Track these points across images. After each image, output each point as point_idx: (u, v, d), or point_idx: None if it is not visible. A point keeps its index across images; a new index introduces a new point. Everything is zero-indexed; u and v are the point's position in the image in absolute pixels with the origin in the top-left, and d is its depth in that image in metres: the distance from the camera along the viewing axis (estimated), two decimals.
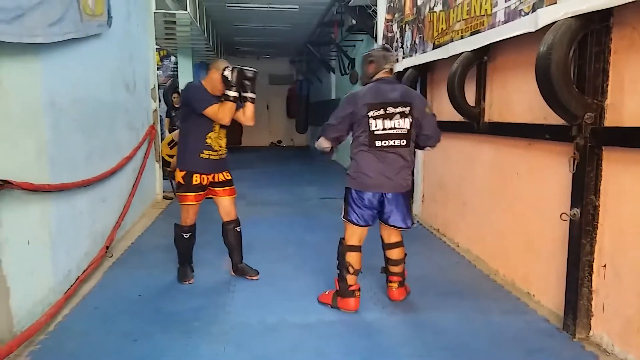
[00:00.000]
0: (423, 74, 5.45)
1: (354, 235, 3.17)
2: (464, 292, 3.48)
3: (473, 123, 4.19)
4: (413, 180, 3.27)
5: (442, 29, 4.64)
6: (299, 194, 7.57)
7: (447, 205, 4.96)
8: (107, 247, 4.01)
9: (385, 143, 2.98)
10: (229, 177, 3.67)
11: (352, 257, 3.13)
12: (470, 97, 4.18)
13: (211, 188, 3.58)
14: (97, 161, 3.96)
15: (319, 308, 3.20)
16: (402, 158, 3.03)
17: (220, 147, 3.55)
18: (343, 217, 3.21)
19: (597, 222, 2.74)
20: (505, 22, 3.41)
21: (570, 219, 2.84)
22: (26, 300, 2.77)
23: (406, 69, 5.57)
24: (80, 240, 3.61)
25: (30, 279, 2.85)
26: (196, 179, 3.45)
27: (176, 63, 11.16)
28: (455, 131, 4.73)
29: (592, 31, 2.68)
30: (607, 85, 2.68)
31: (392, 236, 3.28)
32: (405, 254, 3.33)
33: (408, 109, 3.00)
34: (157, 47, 9.28)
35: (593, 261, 2.76)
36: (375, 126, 2.97)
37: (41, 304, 2.92)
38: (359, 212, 3.10)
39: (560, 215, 2.90)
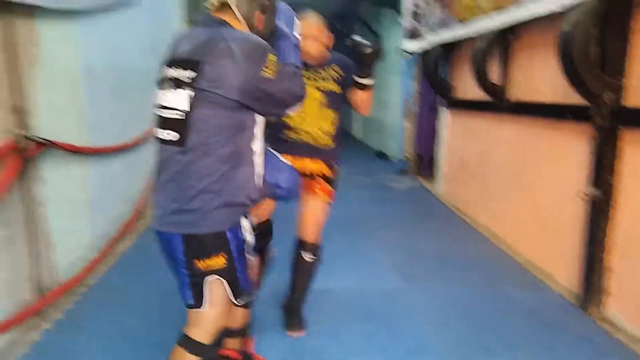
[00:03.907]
0: (448, 51, 5.46)
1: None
2: (481, 268, 3.58)
3: (496, 102, 4.23)
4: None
5: (468, 5, 4.64)
6: None
7: (469, 184, 5.03)
8: (139, 210, 4.21)
9: (162, 134, 1.59)
10: (324, 170, 2.56)
11: None
12: (494, 76, 4.21)
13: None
14: (130, 127, 4.12)
15: (339, 274, 3.35)
16: (177, 167, 1.55)
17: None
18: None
19: (614, 202, 2.81)
20: (532, 0, 3.43)
21: (588, 198, 2.91)
22: (68, 255, 2.97)
23: (432, 46, 5.59)
24: (115, 202, 3.80)
25: (71, 236, 3.04)
26: None
27: None
28: (478, 109, 4.78)
29: (615, 11, 2.71)
30: (628, 65, 2.72)
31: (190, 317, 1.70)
32: None
33: (190, 74, 1.53)
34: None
35: (609, 240, 2.83)
36: (157, 100, 1.64)
37: (81, 260, 3.12)
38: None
39: (578, 193, 2.97)
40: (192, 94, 1.52)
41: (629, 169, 2.72)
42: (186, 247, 1.56)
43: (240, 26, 1.64)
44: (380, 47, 2.31)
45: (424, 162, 6.86)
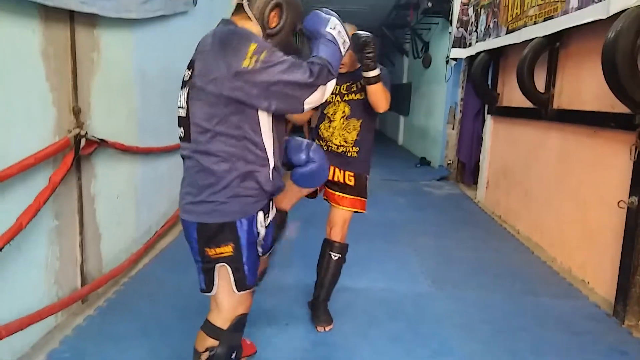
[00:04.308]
0: (495, 58, 5.41)
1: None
2: (517, 276, 3.54)
3: (541, 109, 4.17)
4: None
5: (516, 13, 4.61)
6: None
7: (510, 192, 4.96)
8: None
9: (178, 131, 1.71)
10: (348, 181, 2.66)
11: None
12: (540, 84, 4.15)
13: (327, 188, 2.72)
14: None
15: (370, 275, 3.39)
16: (189, 161, 1.68)
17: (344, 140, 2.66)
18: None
19: None
20: (579, 8, 3.38)
21: (628, 207, 2.84)
22: (113, 247, 3.15)
23: (479, 53, 5.56)
24: (160, 200, 3.99)
25: (117, 229, 3.23)
26: None
27: None
28: (523, 117, 4.72)
29: None
30: None
31: (210, 305, 1.82)
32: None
33: (188, 73, 1.64)
34: None
35: None
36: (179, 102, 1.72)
37: (125, 252, 3.30)
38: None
39: (618, 203, 2.90)
40: (187, 90, 1.60)
41: None
42: (199, 235, 1.65)
43: (252, 25, 1.65)
44: (372, 37, 2.31)
45: (467, 169, 6.79)
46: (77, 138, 2.58)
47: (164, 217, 4.06)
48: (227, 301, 1.73)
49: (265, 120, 1.63)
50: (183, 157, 1.70)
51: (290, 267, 3.47)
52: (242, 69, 1.49)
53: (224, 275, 1.69)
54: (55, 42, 2.43)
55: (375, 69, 2.37)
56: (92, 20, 2.77)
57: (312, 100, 1.60)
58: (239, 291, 1.71)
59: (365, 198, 2.72)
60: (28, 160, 2.19)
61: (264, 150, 1.66)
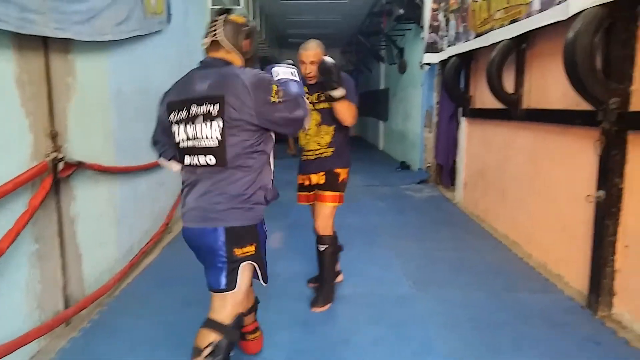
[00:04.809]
0: (466, 62, 5.54)
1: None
2: (496, 273, 3.62)
3: (511, 110, 4.28)
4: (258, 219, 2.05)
5: (484, 18, 4.73)
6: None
7: (487, 192, 5.07)
8: (167, 224, 4.42)
9: (194, 160, 1.97)
10: (322, 181, 3.06)
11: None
12: (509, 85, 4.27)
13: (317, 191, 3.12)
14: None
15: (352, 280, 3.44)
16: (217, 184, 1.94)
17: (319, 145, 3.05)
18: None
19: (621, 204, 2.84)
20: (541, 10, 3.50)
21: (596, 200, 2.94)
22: (95, 268, 3.16)
23: (450, 57, 5.68)
24: (141, 218, 4.01)
25: (98, 250, 3.24)
26: (300, 180, 3.22)
27: None
28: (495, 118, 4.83)
29: (619, 19, 2.76)
30: (634, 71, 2.76)
31: (214, 304, 2.03)
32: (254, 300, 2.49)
33: (216, 107, 1.88)
34: None
35: (616, 242, 2.86)
36: (179, 135, 1.99)
37: (108, 273, 3.31)
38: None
39: (586, 197, 3.00)
40: (221, 123, 1.87)
41: (635, 171, 2.76)
42: (227, 238, 1.93)
43: (234, 56, 2.03)
44: (334, 64, 2.71)
45: (445, 172, 6.91)
46: (55, 161, 2.61)
47: (146, 235, 4.07)
48: (239, 296, 2.00)
49: (272, 143, 2.06)
50: (198, 179, 1.97)
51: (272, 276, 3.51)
52: (270, 103, 1.89)
53: (247, 272, 2.00)
54: (29, 68, 2.47)
55: (339, 88, 2.71)
56: (66, 45, 2.81)
57: (306, 123, 2.05)
58: (265, 283, 2.08)
59: (340, 191, 3.09)
60: (6, 186, 2.22)
61: (272, 164, 2.06)
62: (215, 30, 2.02)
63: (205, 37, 2.05)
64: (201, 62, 2.05)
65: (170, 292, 3.28)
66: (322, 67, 2.67)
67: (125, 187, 3.67)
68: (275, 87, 1.93)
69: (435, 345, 2.58)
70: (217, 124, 1.88)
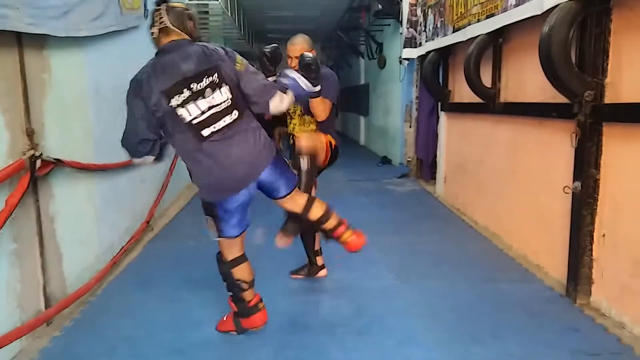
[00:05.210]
0: (444, 57, 5.59)
1: (233, 247, 2.54)
2: (477, 265, 3.67)
3: (489, 104, 4.34)
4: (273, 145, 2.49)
5: (461, 12, 4.78)
6: (327, 177, 7.84)
7: (467, 185, 5.13)
8: (148, 222, 4.38)
9: (214, 128, 2.22)
10: None
11: (240, 272, 2.56)
12: (487, 79, 4.33)
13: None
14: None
15: (334, 275, 3.46)
16: (244, 133, 2.30)
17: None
18: (218, 237, 2.50)
19: (597, 195, 2.90)
20: (517, 5, 3.55)
21: (573, 192, 3.01)
22: (76, 266, 3.13)
23: (429, 52, 5.73)
24: (121, 216, 3.97)
25: (79, 248, 3.20)
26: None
27: None
28: (473, 112, 4.89)
29: (593, 13, 2.82)
30: (607, 64, 2.82)
31: (297, 200, 2.58)
32: (327, 204, 2.70)
33: (216, 76, 2.22)
34: None
35: (593, 231, 2.93)
36: (190, 114, 2.19)
37: (89, 271, 3.27)
38: (232, 223, 2.44)
39: (563, 188, 3.07)
40: (226, 86, 2.23)
41: (612, 162, 2.82)
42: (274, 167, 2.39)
43: (187, 38, 2.27)
44: (315, 58, 2.73)
45: (425, 166, 6.97)
46: (32, 159, 2.57)
47: (127, 232, 4.04)
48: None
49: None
50: (225, 139, 2.25)
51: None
52: (235, 69, 2.28)
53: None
54: (3, 65, 2.43)
55: (316, 85, 2.76)
56: (41, 41, 2.76)
57: (273, 104, 2.36)
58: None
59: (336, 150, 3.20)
60: None
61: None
62: (161, 18, 2.22)
63: (152, 27, 2.25)
64: (162, 49, 2.25)
65: (152, 291, 3.25)
66: (300, 61, 2.73)
67: (105, 184, 3.63)
68: (238, 57, 2.30)
69: (418, 336, 2.62)
70: (225, 89, 2.23)
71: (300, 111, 3.16)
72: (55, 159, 2.77)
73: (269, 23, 12.44)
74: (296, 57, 2.95)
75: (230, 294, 2.61)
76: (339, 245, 2.71)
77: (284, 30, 13.41)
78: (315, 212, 2.59)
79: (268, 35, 14.36)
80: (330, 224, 2.64)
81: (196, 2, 7.51)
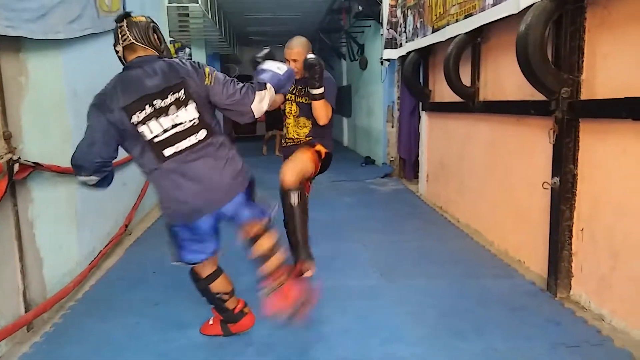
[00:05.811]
0: (424, 57, 5.64)
1: (205, 265, 2.46)
2: (459, 262, 3.71)
3: (469, 102, 4.39)
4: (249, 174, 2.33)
5: (439, 13, 4.82)
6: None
7: (449, 183, 5.18)
8: (127, 226, 4.34)
9: (177, 148, 2.12)
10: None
11: (218, 286, 2.50)
12: (466, 78, 4.37)
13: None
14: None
15: (319, 274, 3.44)
16: (210, 158, 2.17)
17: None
18: (176, 262, 2.38)
19: (576, 190, 2.96)
20: (494, 4, 3.60)
21: (552, 187, 3.06)
22: (57, 271, 3.08)
23: (409, 53, 5.77)
24: (102, 220, 3.93)
25: (59, 253, 3.16)
26: None
27: (190, 55, 11.47)
28: (453, 111, 4.94)
29: (567, 11, 2.88)
30: (583, 61, 2.87)
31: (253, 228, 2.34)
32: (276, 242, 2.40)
33: (182, 92, 2.12)
34: (172, 39, 9.62)
35: (572, 226, 2.98)
36: (151, 131, 2.09)
37: (70, 276, 3.23)
38: (190, 249, 2.33)
39: (542, 184, 3.12)
40: (193, 103, 2.14)
41: (589, 157, 2.87)
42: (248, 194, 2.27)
43: (153, 53, 2.20)
44: (318, 60, 2.79)
45: (408, 165, 7.02)
46: (10, 163, 2.53)
47: (108, 236, 3.99)
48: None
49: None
50: (188, 162, 2.13)
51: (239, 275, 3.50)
52: (202, 84, 2.17)
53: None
54: None
55: (319, 87, 2.82)
56: (17, 44, 2.73)
57: (257, 110, 2.25)
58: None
59: (316, 149, 3.20)
60: None
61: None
62: (124, 35, 2.16)
63: (116, 45, 2.18)
64: (128, 65, 2.17)
65: (134, 294, 3.22)
66: (305, 63, 2.81)
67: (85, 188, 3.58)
68: (207, 69, 2.21)
69: (403, 333, 2.63)
70: (191, 106, 2.13)
71: (296, 113, 3.21)
72: (33, 162, 2.73)
73: (250, 25, 12.41)
74: (293, 60, 3.07)
75: (212, 306, 2.59)
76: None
77: (266, 32, 13.41)
78: (263, 244, 2.32)
79: (249, 38, 14.33)
80: (272, 263, 2.34)
81: (176, 4, 7.47)
